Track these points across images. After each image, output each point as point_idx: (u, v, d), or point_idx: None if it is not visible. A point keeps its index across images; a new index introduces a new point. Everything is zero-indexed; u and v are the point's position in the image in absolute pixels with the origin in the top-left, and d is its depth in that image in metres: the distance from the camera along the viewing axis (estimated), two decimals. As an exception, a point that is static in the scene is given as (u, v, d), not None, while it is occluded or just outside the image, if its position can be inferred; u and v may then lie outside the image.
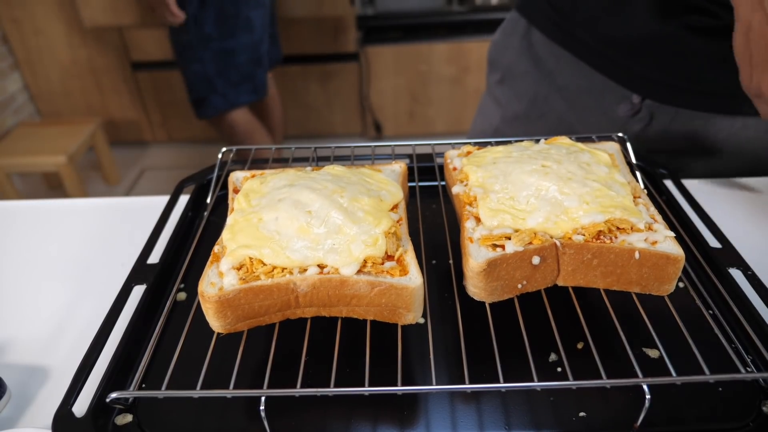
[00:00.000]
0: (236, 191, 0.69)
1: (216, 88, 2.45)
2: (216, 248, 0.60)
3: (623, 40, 0.92)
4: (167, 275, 0.73)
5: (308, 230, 0.58)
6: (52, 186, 3.38)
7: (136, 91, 3.58)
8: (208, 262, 0.59)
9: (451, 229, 0.71)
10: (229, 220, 0.62)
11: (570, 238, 0.58)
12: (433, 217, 0.82)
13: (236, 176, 0.73)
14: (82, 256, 0.84)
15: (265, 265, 0.56)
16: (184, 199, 0.86)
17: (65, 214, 0.95)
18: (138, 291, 0.67)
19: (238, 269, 0.56)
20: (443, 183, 0.80)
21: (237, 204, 0.64)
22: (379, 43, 3.36)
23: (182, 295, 0.71)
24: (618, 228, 0.58)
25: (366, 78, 3.47)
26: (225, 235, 0.60)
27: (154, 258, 0.72)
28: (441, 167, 0.84)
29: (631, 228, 0.58)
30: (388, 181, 0.68)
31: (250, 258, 0.57)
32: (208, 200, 0.84)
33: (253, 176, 0.71)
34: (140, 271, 0.70)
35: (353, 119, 3.73)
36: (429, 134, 3.68)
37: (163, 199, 0.86)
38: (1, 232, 0.91)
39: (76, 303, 0.75)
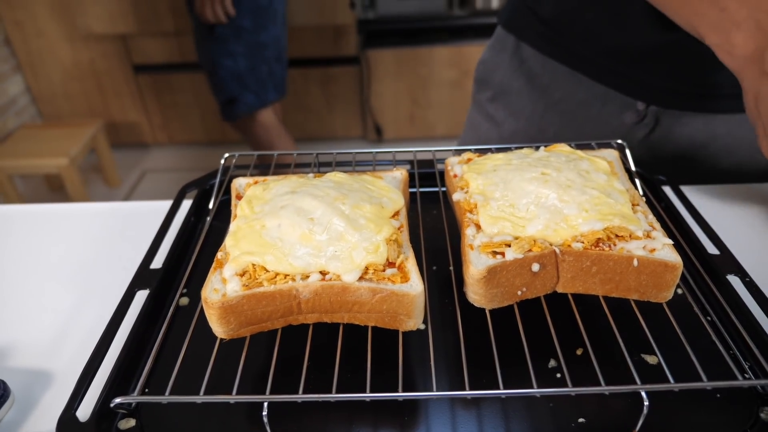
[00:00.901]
0: (239, 197, 0.70)
1: (248, 86, 2.36)
2: (219, 254, 0.61)
3: (627, 51, 0.91)
4: (170, 280, 0.73)
5: (310, 237, 0.58)
6: (53, 188, 3.39)
7: (137, 94, 3.60)
8: (212, 268, 0.59)
9: (451, 235, 0.72)
10: (232, 226, 0.63)
11: (569, 246, 0.58)
12: (433, 223, 0.83)
13: (239, 182, 0.73)
14: (85, 261, 0.85)
15: (267, 271, 0.57)
16: (186, 204, 0.86)
17: (68, 218, 0.95)
18: (141, 296, 0.68)
19: (241, 275, 0.57)
20: (444, 189, 0.81)
21: (240, 210, 0.65)
22: (379, 47, 3.36)
23: (185, 301, 0.72)
24: (617, 235, 0.59)
25: (367, 81, 3.48)
26: (228, 241, 0.61)
27: (157, 263, 0.73)
28: (442, 173, 0.85)
29: (630, 236, 0.59)
30: (389, 188, 0.69)
31: (253, 264, 0.57)
32: (211, 205, 0.85)
33: (255, 182, 0.72)
34: (143, 276, 0.70)
35: (354, 122, 3.73)
36: (429, 137, 3.69)
37: (166, 204, 0.86)
38: (3, 236, 0.92)
39: (79, 307, 0.76)
